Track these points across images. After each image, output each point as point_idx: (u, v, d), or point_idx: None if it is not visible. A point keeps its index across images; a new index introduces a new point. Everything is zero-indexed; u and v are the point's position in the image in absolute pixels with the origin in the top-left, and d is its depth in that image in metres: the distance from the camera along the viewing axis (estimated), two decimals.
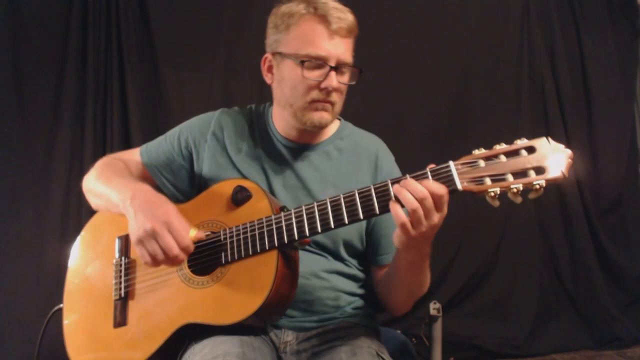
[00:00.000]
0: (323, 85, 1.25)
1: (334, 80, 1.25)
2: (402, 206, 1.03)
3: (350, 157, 1.37)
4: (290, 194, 1.31)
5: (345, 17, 1.26)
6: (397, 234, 1.06)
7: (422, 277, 1.24)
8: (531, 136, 1.00)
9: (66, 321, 1.34)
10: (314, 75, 1.25)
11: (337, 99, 1.30)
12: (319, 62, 1.24)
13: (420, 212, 1.00)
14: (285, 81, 1.30)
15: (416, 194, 1.00)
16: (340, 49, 1.26)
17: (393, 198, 1.04)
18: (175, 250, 1.12)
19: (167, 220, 1.13)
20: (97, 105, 2.77)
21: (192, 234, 1.16)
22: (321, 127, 1.31)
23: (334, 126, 1.42)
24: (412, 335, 2.60)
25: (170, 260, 1.13)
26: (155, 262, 1.14)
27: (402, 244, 1.08)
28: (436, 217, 1.02)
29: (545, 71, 3.20)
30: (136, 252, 1.17)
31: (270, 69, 1.35)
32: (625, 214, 3.24)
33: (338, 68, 1.26)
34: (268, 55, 1.34)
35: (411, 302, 1.31)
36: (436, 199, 1.00)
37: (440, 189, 1.00)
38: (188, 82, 2.89)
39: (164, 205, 1.17)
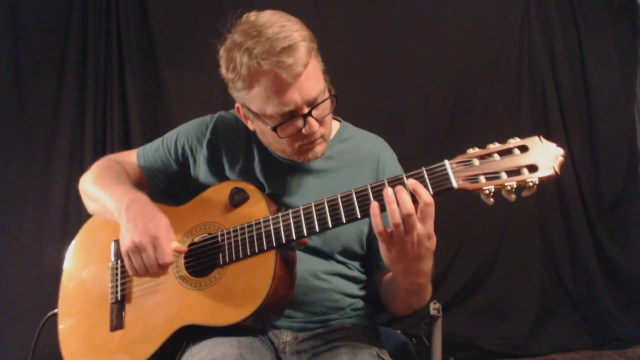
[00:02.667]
0: (305, 132, 1.17)
1: (313, 125, 1.16)
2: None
3: (350, 161, 1.35)
4: (289, 203, 1.30)
5: (294, 56, 1.10)
6: (380, 244, 1.05)
7: (421, 297, 1.24)
8: (531, 136, 1.01)
9: (61, 326, 1.33)
10: (291, 130, 1.17)
11: (324, 129, 1.22)
12: (290, 117, 1.15)
13: (402, 228, 0.99)
14: (266, 134, 1.25)
15: (403, 209, 0.98)
16: (305, 89, 1.14)
17: (375, 204, 1.02)
18: (154, 267, 1.15)
19: (155, 235, 1.14)
20: (97, 105, 2.78)
21: (174, 245, 1.18)
22: (318, 158, 1.27)
23: (334, 129, 1.39)
24: (412, 335, 2.60)
25: (152, 275, 1.18)
26: (138, 275, 1.18)
27: (385, 254, 1.06)
28: (419, 228, 0.99)
29: (545, 71, 3.20)
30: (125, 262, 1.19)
31: (246, 117, 1.28)
32: (625, 214, 3.23)
33: (312, 109, 1.16)
34: (239, 106, 1.27)
35: (410, 311, 1.31)
36: (422, 208, 0.99)
37: (428, 197, 0.99)
38: (188, 82, 2.90)
39: (157, 218, 1.18)
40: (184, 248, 1.22)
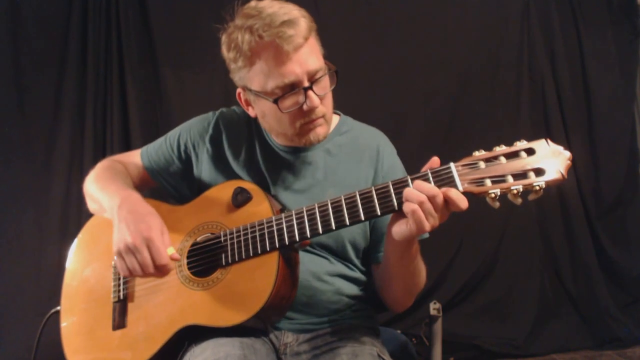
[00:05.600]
0: (305, 108, 1.18)
1: (314, 99, 1.17)
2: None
3: (350, 153, 1.36)
4: (291, 197, 1.30)
5: (295, 28, 1.13)
6: (407, 222, 1.03)
7: (415, 268, 1.22)
8: (531, 136, 1.01)
9: (64, 324, 1.33)
10: (292, 103, 1.18)
11: (325, 108, 1.23)
12: (291, 90, 1.17)
13: (428, 205, 0.99)
14: (267, 116, 1.26)
15: (426, 192, 0.99)
16: (306, 61, 1.16)
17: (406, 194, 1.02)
18: (150, 268, 1.14)
19: (148, 237, 1.13)
20: (97, 105, 2.79)
21: (170, 252, 1.17)
22: (320, 141, 1.27)
23: (333, 122, 1.39)
24: (412, 335, 2.60)
25: (147, 276, 1.16)
26: (132, 276, 1.17)
27: (403, 234, 1.06)
28: (445, 216, 1.02)
29: (545, 71, 3.20)
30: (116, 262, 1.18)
31: (248, 102, 1.30)
32: (625, 214, 3.24)
33: (312, 83, 1.18)
34: (240, 90, 1.29)
35: (409, 297, 1.30)
36: (453, 204, 1.00)
37: (462, 202, 0.99)
38: (188, 82, 2.90)
39: (149, 219, 1.17)
40: (178, 256, 1.21)
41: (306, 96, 1.17)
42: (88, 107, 2.76)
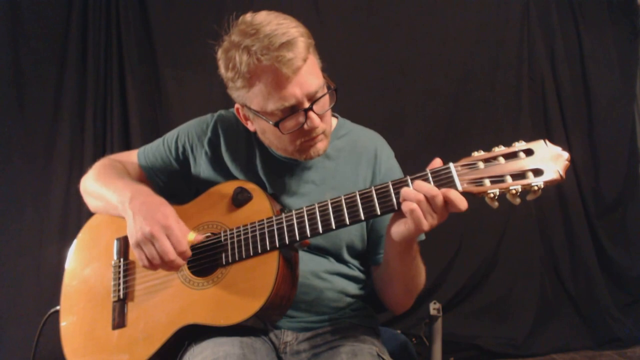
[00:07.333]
0: (306, 128, 1.17)
1: (315, 120, 1.17)
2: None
3: (348, 157, 1.36)
4: (290, 201, 1.30)
5: (293, 50, 1.11)
6: (406, 222, 1.05)
7: (415, 269, 1.22)
8: (531, 136, 1.02)
9: (63, 323, 1.33)
10: (292, 125, 1.18)
11: (325, 125, 1.23)
12: (291, 112, 1.16)
13: (426, 204, 1.01)
14: (267, 133, 1.25)
15: (425, 192, 1.01)
16: (306, 83, 1.15)
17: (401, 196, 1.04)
18: (172, 255, 1.13)
19: (166, 225, 1.13)
20: (97, 105, 2.79)
21: (191, 237, 1.17)
22: (320, 155, 1.26)
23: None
24: (412, 335, 2.61)
25: (167, 264, 1.15)
26: (152, 265, 1.15)
27: (402, 234, 1.07)
28: (444, 216, 1.03)
29: (545, 71, 3.20)
30: (134, 254, 1.17)
31: (247, 117, 1.29)
32: (625, 214, 3.24)
33: (313, 103, 1.17)
34: (239, 107, 1.27)
35: (409, 298, 1.30)
36: (453, 205, 1.01)
37: (462, 203, 1.00)
38: (188, 82, 2.90)
39: (163, 208, 1.17)
40: (202, 237, 1.21)
41: (307, 117, 1.17)
42: (88, 107, 2.76)
